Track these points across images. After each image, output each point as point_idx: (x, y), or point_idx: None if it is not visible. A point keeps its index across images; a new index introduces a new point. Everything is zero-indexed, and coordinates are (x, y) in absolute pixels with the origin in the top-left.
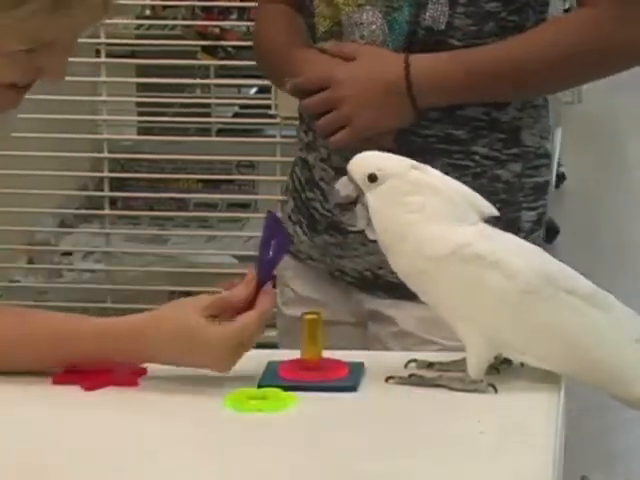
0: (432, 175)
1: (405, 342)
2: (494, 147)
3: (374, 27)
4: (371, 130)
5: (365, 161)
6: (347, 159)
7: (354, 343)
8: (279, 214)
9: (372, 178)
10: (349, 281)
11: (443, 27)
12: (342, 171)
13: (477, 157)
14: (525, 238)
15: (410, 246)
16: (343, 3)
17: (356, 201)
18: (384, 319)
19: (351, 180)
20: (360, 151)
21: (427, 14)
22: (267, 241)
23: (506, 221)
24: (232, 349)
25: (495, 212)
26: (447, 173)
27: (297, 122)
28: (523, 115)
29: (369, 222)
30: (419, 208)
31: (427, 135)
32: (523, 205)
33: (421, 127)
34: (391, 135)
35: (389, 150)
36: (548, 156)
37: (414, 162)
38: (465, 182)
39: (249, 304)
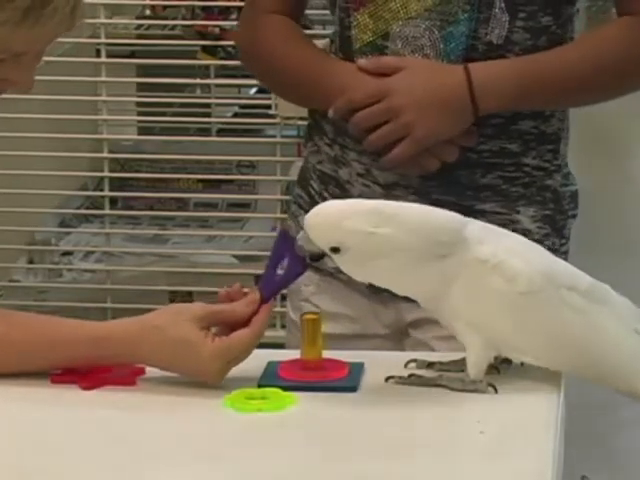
0: (395, 226)
1: (453, 344)
2: (544, 158)
3: (427, 41)
4: (432, 139)
5: (323, 233)
6: (392, 173)
7: None
8: (291, 231)
9: (334, 250)
10: (393, 292)
11: (502, 41)
12: (391, 186)
13: (527, 168)
14: (565, 245)
15: (403, 288)
16: (392, 17)
17: (323, 255)
18: (430, 324)
19: (312, 243)
20: (415, 166)
21: (489, 28)
22: (277, 257)
23: (556, 229)
24: (223, 364)
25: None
26: (498, 185)
27: (298, 122)
28: (563, 126)
29: None
30: (391, 267)
31: (482, 150)
32: (568, 213)
33: (477, 143)
34: (456, 148)
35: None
36: (568, 165)
37: (374, 217)
38: (516, 192)
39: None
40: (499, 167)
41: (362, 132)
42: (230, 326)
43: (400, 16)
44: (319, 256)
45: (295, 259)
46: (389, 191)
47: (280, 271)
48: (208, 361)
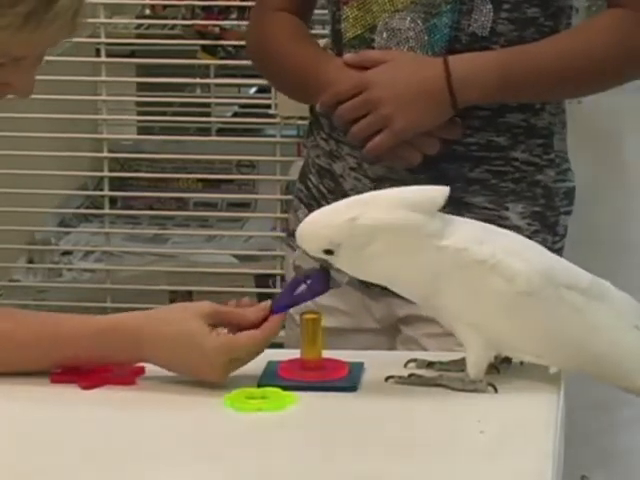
0: (372, 214)
1: (446, 342)
2: (533, 152)
3: (412, 33)
4: (410, 131)
5: (313, 239)
6: (381, 167)
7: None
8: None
9: (329, 252)
10: (383, 287)
11: (487, 33)
12: (380, 180)
13: (517, 163)
14: (559, 242)
15: (401, 283)
16: (380, 9)
17: (323, 266)
18: (421, 321)
19: (307, 255)
20: (398, 159)
21: (472, 19)
22: (304, 278)
23: (547, 225)
24: (226, 361)
25: (446, 192)
26: (487, 180)
27: (298, 122)
28: (556, 120)
29: (348, 275)
30: (382, 253)
31: (469, 143)
32: (561, 210)
33: (463, 135)
34: (437, 140)
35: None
36: (569, 161)
37: (352, 207)
38: (506, 187)
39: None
40: (487, 161)
41: (346, 124)
42: (238, 328)
43: (387, 8)
44: (324, 270)
45: (316, 280)
46: (379, 184)
47: (302, 289)
48: (212, 355)
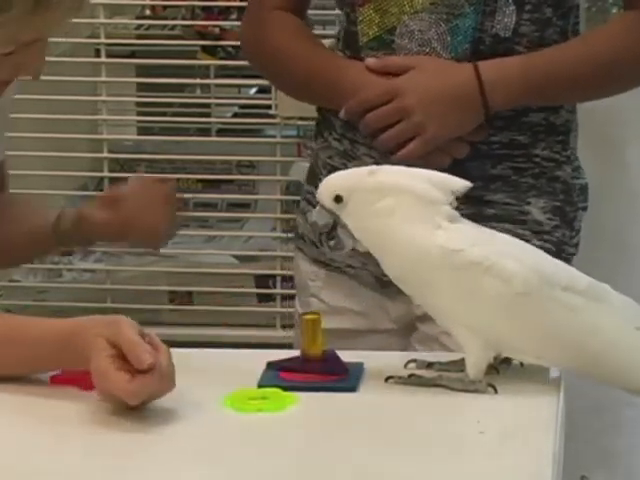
0: (391, 174)
1: None
2: (553, 149)
3: (434, 35)
4: (443, 138)
5: (327, 186)
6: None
7: (394, 351)
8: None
9: (338, 199)
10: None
11: (510, 34)
12: None
13: (537, 159)
14: (575, 237)
15: (395, 253)
16: (399, 11)
17: (335, 225)
18: None
19: (323, 208)
20: (427, 164)
21: (495, 20)
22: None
23: (566, 221)
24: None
25: (468, 184)
26: (509, 176)
27: (298, 122)
28: (572, 118)
29: (354, 240)
30: (389, 212)
31: (492, 142)
32: (578, 205)
33: (487, 135)
34: (466, 144)
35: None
36: (579, 159)
37: (371, 168)
38: (526, 183)
39: None
40: (509, 158)
41: (374, 132)
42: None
43: (406, 10)
44: (332, 229)
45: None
46: None
47: None
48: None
